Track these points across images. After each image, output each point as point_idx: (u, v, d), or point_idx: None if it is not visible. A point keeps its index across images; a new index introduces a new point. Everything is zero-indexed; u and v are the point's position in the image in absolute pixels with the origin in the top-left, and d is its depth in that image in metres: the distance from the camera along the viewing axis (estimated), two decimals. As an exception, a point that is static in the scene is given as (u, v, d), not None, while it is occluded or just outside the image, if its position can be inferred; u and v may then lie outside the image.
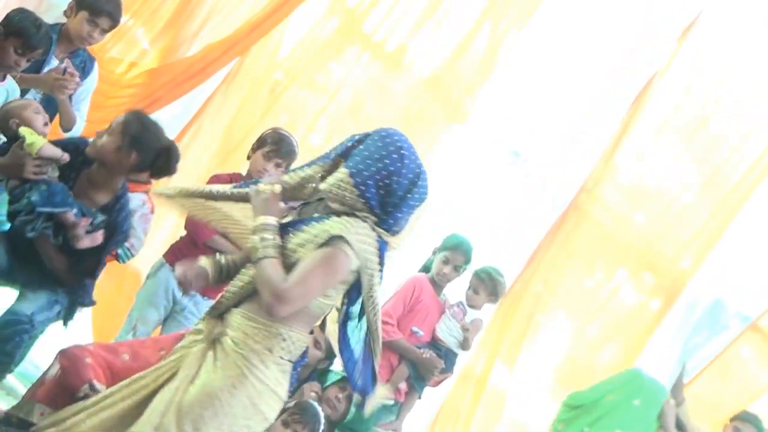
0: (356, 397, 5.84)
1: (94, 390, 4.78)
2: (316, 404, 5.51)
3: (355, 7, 8.34)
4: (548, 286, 8.47)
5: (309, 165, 4.06)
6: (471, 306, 6.88)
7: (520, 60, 8.66)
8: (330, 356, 6.15)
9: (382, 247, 3.77)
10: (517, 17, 8.46)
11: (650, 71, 8.43)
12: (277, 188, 3.90)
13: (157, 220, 6.93)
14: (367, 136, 3.89)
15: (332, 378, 6.05)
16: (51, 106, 5.90)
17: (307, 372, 6.00)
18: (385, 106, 8.47)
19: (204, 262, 4.13)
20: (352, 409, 6.04)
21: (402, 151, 3.82)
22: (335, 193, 3.79)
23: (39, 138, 4.93)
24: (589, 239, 8.51)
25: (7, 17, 5.45)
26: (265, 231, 3.77)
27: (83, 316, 6.21)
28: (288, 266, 3.70)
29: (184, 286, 4.17)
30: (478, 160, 8.65)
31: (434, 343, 6.83)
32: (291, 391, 3.92)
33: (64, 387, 4.88)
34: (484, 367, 8.32)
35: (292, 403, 5.35)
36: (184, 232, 6.54)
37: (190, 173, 7.43)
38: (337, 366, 6.19)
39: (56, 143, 5.10)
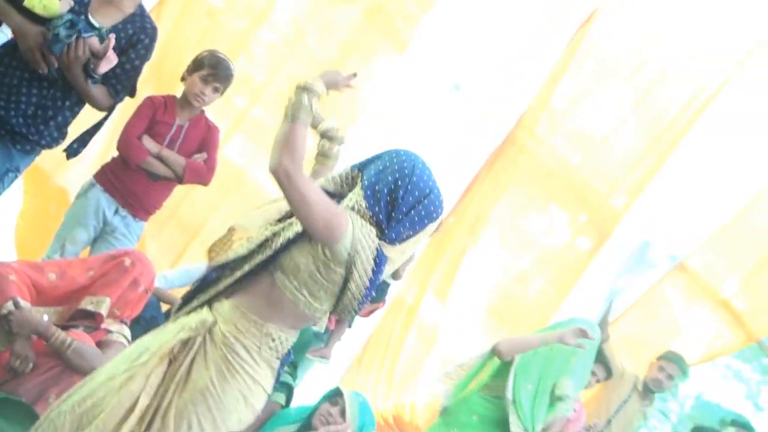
0: None
1: (18, 307, 4.73)
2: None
3: (296, -67, 8.20)
4: (482, 220, 8.48)
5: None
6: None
7: (461, -9, 8.59)
8: None
9: (380, 257, 3.69)
10: (456, -53, 8.36)
11: (590, 7, 8.38)
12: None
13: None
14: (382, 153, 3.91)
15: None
16: None
17: None
18: (326, 37, 8.36)
19: None
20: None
21: (414, 168, 3.81)
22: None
23: None
24: (524, 175, 8.52)
25: None
26: (306, 92, 3.69)
27: (6, 234, 6.11)
28: None
29: None
30: (418, 91, 8.58)
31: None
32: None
33: (-14, 303, 4.82)
34: (415, 298, 8.34)
35: None
36: (116, 153, 6.44)
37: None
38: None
39: None
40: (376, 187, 3.78)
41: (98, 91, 5.13)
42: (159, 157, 6.21)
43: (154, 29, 5.35)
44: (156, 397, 3.69)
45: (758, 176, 8.61)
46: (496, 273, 8.82)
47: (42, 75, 4.96)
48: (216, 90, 6.24)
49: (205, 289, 3.91)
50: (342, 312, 3.81)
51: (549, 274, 8.68)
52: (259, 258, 3.80)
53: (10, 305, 4.72)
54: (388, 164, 3.81)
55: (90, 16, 4.93)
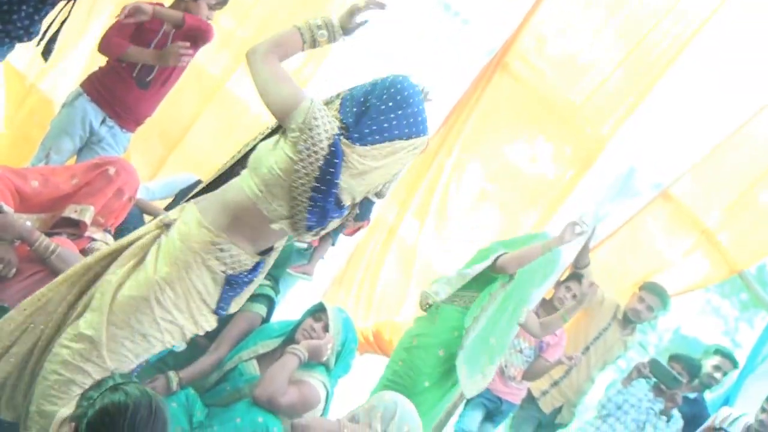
0: None
1: (1, 212, 4.70)
2: None
3: None
4: (465, 145, 8.45)
5: None
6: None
7: None
8: None
9: (336, 149, 3.70)
10: None
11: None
12: None
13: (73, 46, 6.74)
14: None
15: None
16: None
17: None
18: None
19: None
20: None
21: (397, 82, 3.87)
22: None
23: None
24: (510, 99, 8.46)
25: None
26: (322, 29, 3.87)
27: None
28: None
29: None
30: (406, 10, 8.50)
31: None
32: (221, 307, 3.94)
33: (-31, 209, 4.80)
34: (395, 219, 8.33)
35: None
36: (102, 62, 6.37)
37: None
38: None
39: None
40: (353, 92, 3.87)
41: None
42: (155, 15, 6.12)
43: None
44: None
45: (742, 107, 8.61)
46: (476, 199, 8.79)
47: None
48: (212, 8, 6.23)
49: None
50: (297, 217, 3.81)
51: (531, 200, 8.67)
52: (231, 162, 3.92)
53: None
54: (372, 80, 3.87)
55: None
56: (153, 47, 6.22)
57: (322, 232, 4.12)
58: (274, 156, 3.72)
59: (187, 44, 6.21)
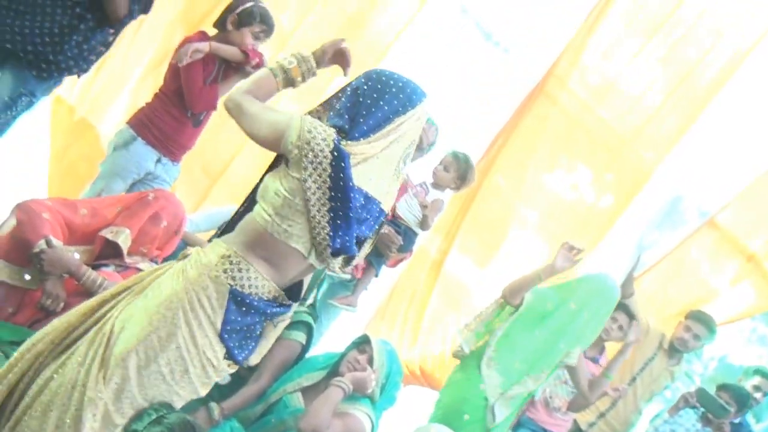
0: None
1: (50, 246, 4.75)
2: None
3: None
4: (508, 179, 8.44)
5: None
6: (435, 185, 6.89)
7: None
8: None
9: (339, 152, 3.67)
10: None
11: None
12: None
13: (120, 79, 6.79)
14: None
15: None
16: None
17: None
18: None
19: None
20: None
21: (377, 71, 3.86)
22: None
23: None
24: (553, 128, 8.44)
25: None
26: (298, 62, 3.90)
27: (40, 174, 6.09)
28: None
29: None
30: (447, 38, 8.52)
31: (394, 221, 6.84)
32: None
33: (20, 240, 4.86)
34: (439, 251, 8.32)
35: None
36: (148, 97, 6.43)
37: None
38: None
39: None
40: (339, 94, 3.89)
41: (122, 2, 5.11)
42: (212, 51, 6.17)
43: None
44: None
45: (791, 132, 8.59)
46: (518, 227, 8.78)
47: None
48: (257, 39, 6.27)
49: None
50: (319, 237, 3.73)
51: (575, 230, 8.64)
52: (246, 202, 3.96)
53: (42, 244, 4.76)
54: (350, 84, 3.89)
55: None
56: (208, 84, 6.26)
57: (353, 263, 4.09)
58: (279, 180, 3.70)
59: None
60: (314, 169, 3.62)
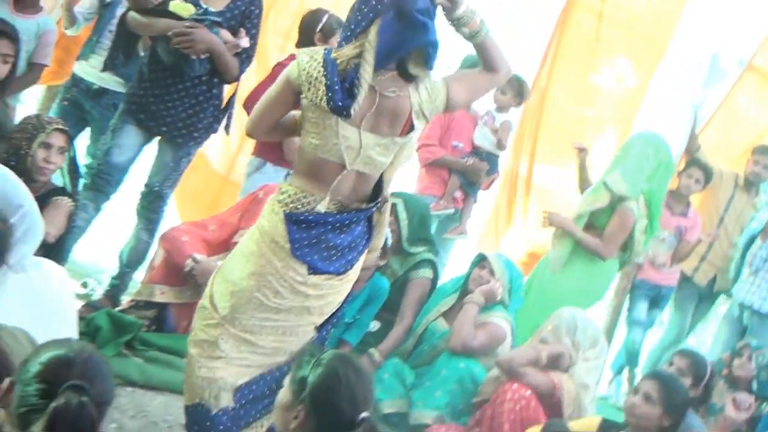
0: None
1: (196, 261, 4.75)
2: None
3: None
4: (563, 88, 8.02)
5: None
6: (499, 109, 6.66)
7: None
8: None
9: (326, 57, 3.40)
10: None
11: None
12: None
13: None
14: None
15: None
16: None
17: None
18: None
19: None
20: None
21: None
22: None
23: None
24: (589, 32, 7.98)
25: None
26: None
27: (171, 213, 6.00)
28: None
29: None
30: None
31: (475, 151, 6.65)
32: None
33: (172, 265, 4.88)
34: (525, 167, 7.97)
35: None
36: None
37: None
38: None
39: None
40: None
41: (235, 64, 4.98)
42: None
43: None
44: None
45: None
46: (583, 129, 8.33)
47: (185, 76, 4.87)
48: None
49: None
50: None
51: (625, 113, 8.17)
52: None
53: (190, 262, 4.76)
54: None
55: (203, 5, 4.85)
56: None
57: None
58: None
59: None
60: (315, 87, 3.37)
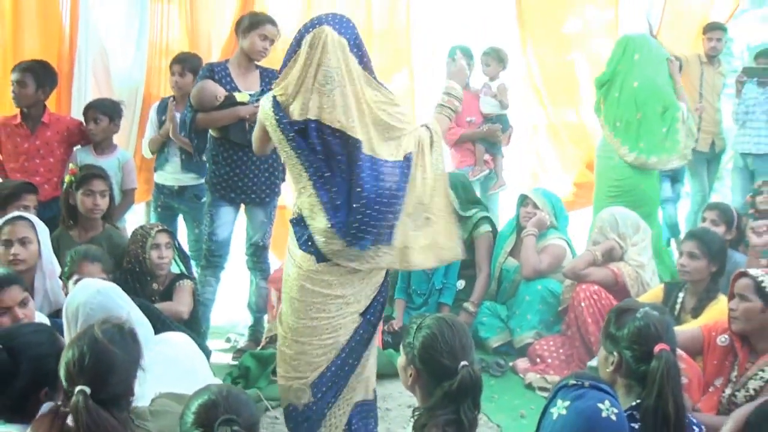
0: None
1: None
2: None
3: None
4: (541, 36, 7.56)
5: None
6: (491, 78, 6.55)
7: None
8: None
9: (273, 103, 3.21)
10: None
11: None
12: None
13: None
14: None
15: None
16: None
17: None
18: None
19: None
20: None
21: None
22: None
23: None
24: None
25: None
26: None
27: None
28: None
29: None
30: None
31: (486, 119, 6.55)
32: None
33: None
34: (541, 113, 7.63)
35: None
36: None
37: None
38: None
39: None
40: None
41: None
42: None
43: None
44: None
45: None
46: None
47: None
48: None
49: None
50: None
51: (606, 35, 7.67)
52: None
53: None
54: None
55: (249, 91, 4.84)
56: None
57: None
58: None
59: None
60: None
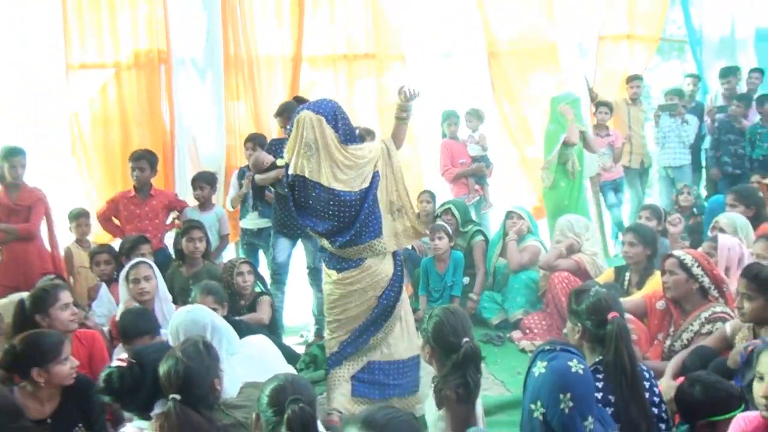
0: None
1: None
2: None
3: None
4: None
5: None
6: (473, 131, 6.43)
7: None
8: None
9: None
10: None
11: None
12: None
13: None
14: None
15: None
16: None
17: None
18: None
19: None
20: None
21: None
22: None
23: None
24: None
25: None
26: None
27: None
28: None
29: None
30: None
31: (473, 159, 6.42)
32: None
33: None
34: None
35: None
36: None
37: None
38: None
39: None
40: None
41: None
42: None
43: None
44: None
45: None
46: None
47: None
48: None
49: None
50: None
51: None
52: None
53: None
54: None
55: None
56: None
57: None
58: None
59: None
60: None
